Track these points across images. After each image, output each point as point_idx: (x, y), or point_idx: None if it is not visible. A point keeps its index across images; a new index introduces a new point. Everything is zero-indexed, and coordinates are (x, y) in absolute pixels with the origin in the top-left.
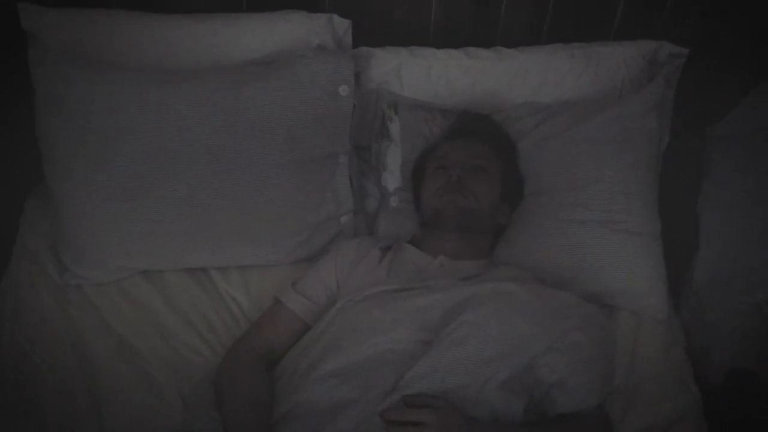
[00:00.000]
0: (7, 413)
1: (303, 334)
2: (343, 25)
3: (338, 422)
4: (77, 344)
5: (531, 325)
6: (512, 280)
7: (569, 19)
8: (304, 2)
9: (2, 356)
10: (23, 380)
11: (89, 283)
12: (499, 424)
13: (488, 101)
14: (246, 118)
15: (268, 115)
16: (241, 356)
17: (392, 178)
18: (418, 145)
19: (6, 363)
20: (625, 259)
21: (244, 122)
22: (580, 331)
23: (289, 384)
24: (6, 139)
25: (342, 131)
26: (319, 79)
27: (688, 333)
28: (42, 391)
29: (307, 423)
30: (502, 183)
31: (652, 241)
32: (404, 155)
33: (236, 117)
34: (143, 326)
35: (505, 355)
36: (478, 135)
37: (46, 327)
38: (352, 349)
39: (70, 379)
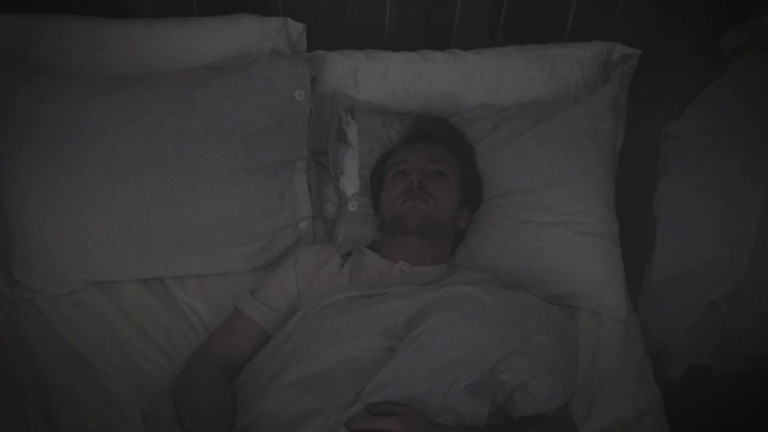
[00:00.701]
0: None
1: (263, 342)
2: (297, 29)
3: None
4: (30, 360)
5: (493, 330)
6: (474, 284)
7: (523, 20)
8: (256, 6)
9: None
10: None
11: (41, 296)
12: (464, 429)
13: (445, 104)
14: (199, 124)
15: (222, 121)
16: (201, 367)
17: (350, 183)
18: (375, 150)
19: None
20: (584, 260)
21: (198, 129)
22: (542, 333)
23: (250, 394)
24: None
25: (299, 137)
26: (274, 84)
27: (646, 330)
28: None
29: None
30: (462, 187)
31: (610, 242)
32: (362, 159)
33: (189, 123)
34: (99, 339)
35: (468, 359)
36: (436, 139)
37: None
38: (315, 357)
39: (23, 397)
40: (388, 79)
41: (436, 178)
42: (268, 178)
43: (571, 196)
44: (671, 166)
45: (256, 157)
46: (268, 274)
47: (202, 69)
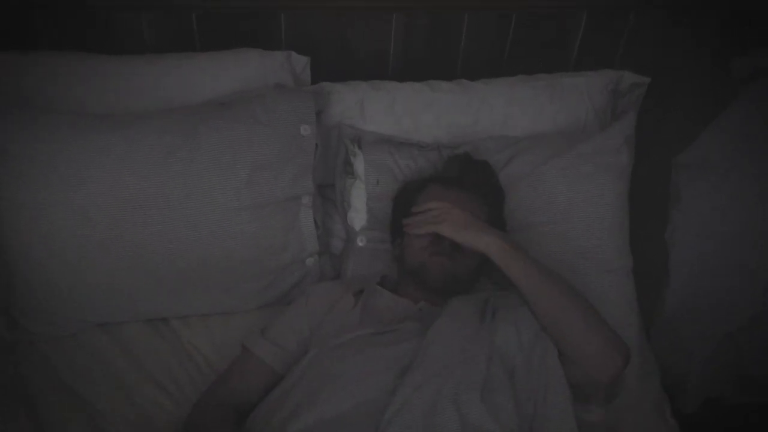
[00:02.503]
0: None
1: (274, 383)
2: (301, 62)
3: None
4: (29, 404)
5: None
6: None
7: (529, 49)
8: (259, 40)
9: None
10: None
11: (42, 338)
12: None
13: (453, 134)
14: (203, 161)
15: (226, 157)
16: (209, 410)
17: (358, 217)
18: (384, 180)
19: None
20: (598, 295)
21: (202, 165)
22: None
23: None
24: None
25: (304, 172)
26: (279, 119)
27: (662, 363)
28: None
29: None
30: None
31: (625, 276)
32: (369, 191)
33: (193, 160)
34: (101, 382)
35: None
36: (474, 187)
37: None
38: (329, 401)
39: None
40: (395, 109)
41: None
42: (274, 215)
43: (586, 231)
44: (683, 195)
45: (261, 193)
46: (278, 313)
47: (205, 105)
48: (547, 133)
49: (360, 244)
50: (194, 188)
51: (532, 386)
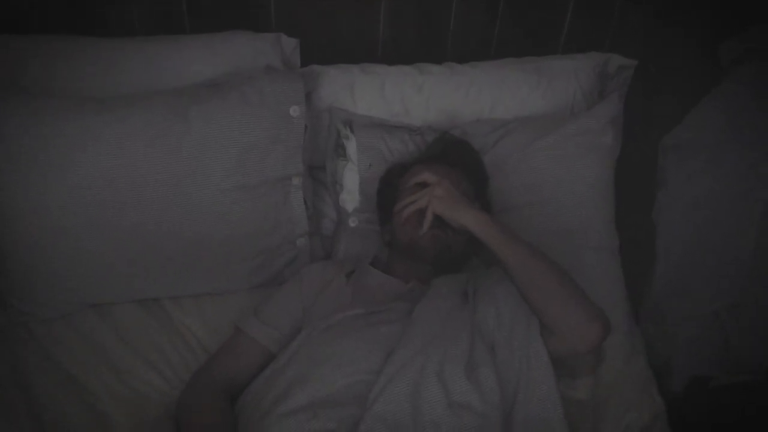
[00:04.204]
0: None
1: (266, 363)
2: (290, 44)
3: None
4: (23, 385)
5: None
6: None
7: (518, 32)
8: (249, 22)
9: None
10: None
11: (35, 319)
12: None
13: (442, 117)
14: (194, 142)
15: (216, 139)
16: (202, 389)
17: (350, 198)
18: (375, 163)
19: None
20: (585, 274)
21: (192, 147)
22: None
23: (252, 418)
24: None
25: (294, 153)
26: (269, 100)
27: (649, 343)
28: None
29: None
30: None
31: (611, 256)
32: (361, 173)
33: (183, 141)
34: (94, 362)
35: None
36: (457, 163)
37: None
38: (321, 381)
39: (16, 423)
40: (385, 92)
41: None
42: (264, 195)
43: (572, 210)
44: (670, 177)
45: (251, 173)
46: (272, 293)
47: (195, 86)
48: (536, 115)
49: (352, 224)
50: (185, 169)
51: (513, 364)
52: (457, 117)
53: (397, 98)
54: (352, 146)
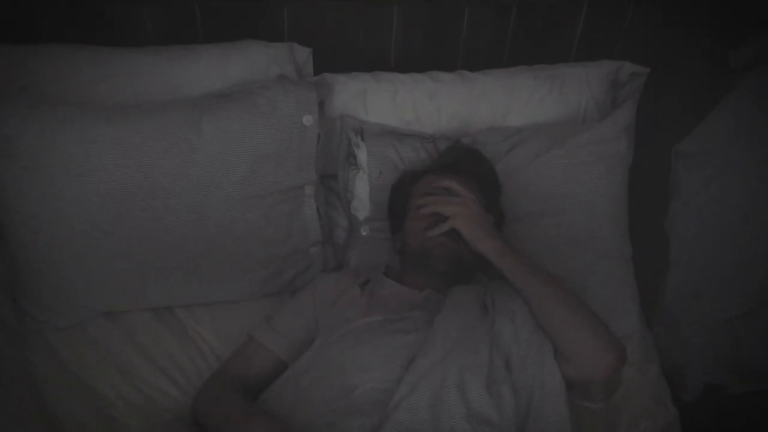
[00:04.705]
0: None
1: (279, 372)
2: (303, 53)
3: None
4: (37, 392)
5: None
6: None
7: (529, 40)
8: (261, 32)
9: None
10: None
11: (49, 327)
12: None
13: (454, 125)
14: (206, 152)
15: (229, 148)
16: (217, 388)
17: (362, 207)
18: (386, 172)
19: None
20: (597, 282)
21: (204, 156)
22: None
23: None
24: None
25: (307, 162)
26: (282, 109)
27: (661, 351)
28: None
29: None
30: None
31: (624, 264)
32: (371, 182)
33: (196, 151)
34: (107, 370)
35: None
36: (468, 173)
37: (3, 375)
38: (339, 387)
39: (30, 429)
40: (397, 101)
41: None
42: (277, 204)
43: (585, 218)
44: (683, 184)
45: (264, 183)
46: (285, 302)
47: (208, 96)
48: (548, 123)
49: (363, 233)
50: (198, 178)
51: (526, 382)
52: (469, 125)
53: (409, 106)
54: (362, 154)
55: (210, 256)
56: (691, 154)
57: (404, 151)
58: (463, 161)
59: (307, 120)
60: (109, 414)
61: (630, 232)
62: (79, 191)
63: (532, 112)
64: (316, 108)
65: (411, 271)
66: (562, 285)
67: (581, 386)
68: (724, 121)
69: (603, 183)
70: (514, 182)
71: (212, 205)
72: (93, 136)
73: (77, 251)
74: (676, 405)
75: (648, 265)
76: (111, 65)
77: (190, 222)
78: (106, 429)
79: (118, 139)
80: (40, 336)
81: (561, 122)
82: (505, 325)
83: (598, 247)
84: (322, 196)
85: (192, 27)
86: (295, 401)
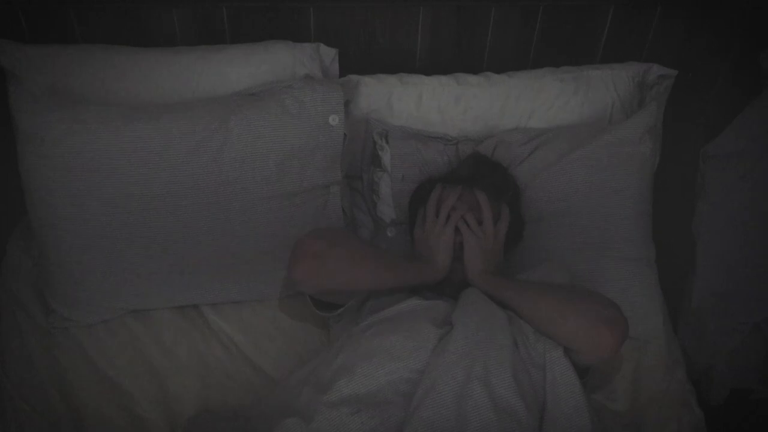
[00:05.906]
0: None
1: None
2: (329, 54)
3: None
4: (65, 389)
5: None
6: None
7: (555, 42)
8: (288, 33)
9: None
10: (9, 428)
11: (76, 325)
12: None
13: (479, 127)
14: (233, 151)
15: (256, 147)
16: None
17: (388, 209)
18: (409, 175)
19: None
20: (621, 285)
21: (232, 156)
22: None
23: (296, 403)
24: None
25: (333, 162)
26: (308, 109)
27: (688, 354)
28: None
29: None
30: (506, 237)
31: (647, 267)
32: (394, 186)
33: (223, 150)
34: (134, 368)
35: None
36: (485, 185)
37: (32, 372)
38: (366, 376)
39: (57, 427)
40: (422, 103)
41: None
42: (303, 203)
43: (607, 221)
44: (710, 187)
45: (290, 182)
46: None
47: (235, 96)
48: (573, 125)
49: (390, 235)
50: (225, 177)
51: (539, 375)
52: (494, 127)
53: (435, 108)
54: (387, 157)
55: (237, 255)
56: (719, 156)
57: (428, 154)
58: (479, 173)
59: (333, 119)
60: (135, 410)
61: (656, 234)
62: (108, 191)
63: (558, 114)
64: (342, 107)
65: None
66: (537, 285)
67: (598, 379)
68: (754, 123)
69: (625, 184)
70: (536, 183)
71: (239, 204)
72: (123, 136)
73: (106, 251)
74: (702, 408)
75: (675, 268)
76: (140, 66)
77: (217, 221)
78: (132, 425)
79: (147, 139)
80: (67, 334)
81: (587, 124)
82: (515, 322)
83: (621, 248)
84: (347, 196)
85: (219, 28)
86: (323, 384)
